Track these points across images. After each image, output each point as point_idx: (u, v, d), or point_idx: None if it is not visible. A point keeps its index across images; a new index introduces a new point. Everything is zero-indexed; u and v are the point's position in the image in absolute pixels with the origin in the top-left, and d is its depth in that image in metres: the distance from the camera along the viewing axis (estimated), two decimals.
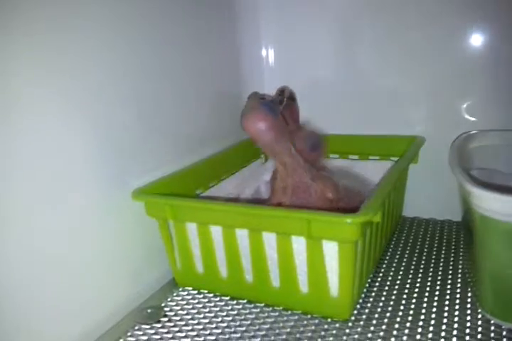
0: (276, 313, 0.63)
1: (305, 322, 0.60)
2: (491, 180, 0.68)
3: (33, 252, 0.52)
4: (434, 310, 0.61)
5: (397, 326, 0.58)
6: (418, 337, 0.56)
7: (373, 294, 0.66)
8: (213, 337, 0.58)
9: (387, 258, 0.76)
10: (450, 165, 0.64)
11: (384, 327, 0.58)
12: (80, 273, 0.59)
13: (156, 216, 0.65)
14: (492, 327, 0.57)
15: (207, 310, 0.64)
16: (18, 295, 0.52)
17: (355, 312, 0.62)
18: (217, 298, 0.67)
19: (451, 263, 0.73)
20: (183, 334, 0.59)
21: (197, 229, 0.64)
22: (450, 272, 0.70)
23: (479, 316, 0.60)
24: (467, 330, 0.57)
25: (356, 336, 0.57)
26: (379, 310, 0.62)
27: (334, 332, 0.58)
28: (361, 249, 0.59)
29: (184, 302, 0.66)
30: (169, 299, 0.67)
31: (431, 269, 0.71)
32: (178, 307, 0.65)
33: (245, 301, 0.66)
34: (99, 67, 0.60)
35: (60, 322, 0.57)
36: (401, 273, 0.71)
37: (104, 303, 0.63)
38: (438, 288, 0.66)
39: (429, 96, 0.85)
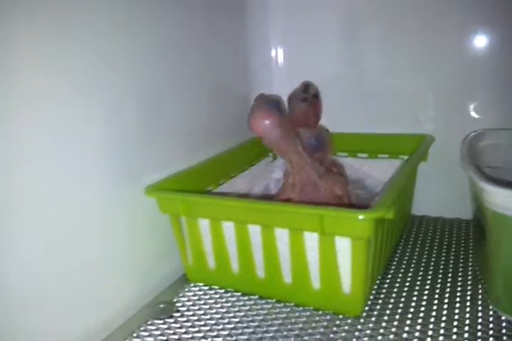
0: (288, 309, 0.63)
1: (317, 318, 0.61)
2: (501, 178, 0.68)
3: (46, 248, 0.53)
4: (446, 306, 0.62)
5: (408, 322, 0.59)
6: (430, 332, 0.56)
7: (384, 291, 0.66)
8: (226, 332, 0.58)
9: (398, 255, 0.76)
10: (461, 162, 0.65)
11: (396, 323, 0.59)
12: (93, 268, 0.60)
13: (169, 212, 0.66)
14: (504, 323, 0.57)
15: (219, 305, 0.64)
16: (33, 291, 0.52)
17: (367, 308, 0.62)
18: (229, 294, 0.67)
19: (462, 260, 0.73)
20: (196, 329, 0.59)
21: (209, 225, 0.65)
22: (460, 269, 0.70)
23: (491, 312, 0.60)
24: (479, 326, 0.57)
25: (368, 332, 0.57)
26: (390, 306, 0.62)
27: (346, 327, 0.58)
28: (373, 245, 0.59)
29: (196, 297, 0.67)
30: (181, 294, 0.67)
31: (441, 266, 0.72)
32: (191, 303, 0.65)
33: (257, 297, 0.66)
34: (113, 65, 0.60)
35: (73, 317, 0.57)
36: (411, 270, 0.71)
37: (117, 298, 0.64)
38: (449, 284, 0.67)
39: (438, 95, 0.85)
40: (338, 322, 0.60)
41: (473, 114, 0.83)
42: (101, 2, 0.58)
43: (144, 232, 0.68)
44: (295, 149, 0.67)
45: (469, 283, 0.67)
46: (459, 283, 0.67)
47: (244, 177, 0.84)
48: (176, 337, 0.58)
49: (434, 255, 0.75)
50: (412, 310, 0.61)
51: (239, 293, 0.67)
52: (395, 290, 0.66)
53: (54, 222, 0.54)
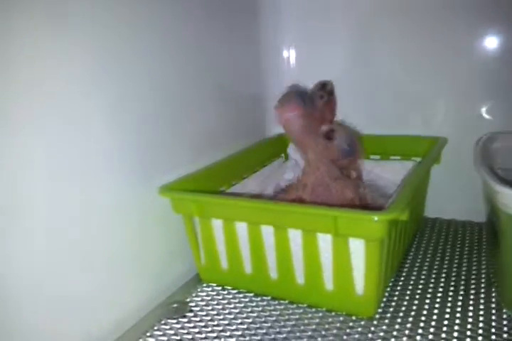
0: (301, 310, 0.63)
1: (330, 319, 0.61)
2: None
3: (59, 249, 0.53)
4: (459, 309, 0.62)
5: (422, 324, 0.59)
6: (443, 335, 0.56)
7: (397, 293, 0.66)
8: (239, 333, 0.59)
9: (410, 257, 0.76)
10: (475, 165, 0.64)
11: (409, 325, 0.59)
12: (106, 268, 0.60)
13: (182, 212, 0.66)
14: None
15: (232, 305, 0.65)
16: (49, 289, 0.53)
17: (380, 310, 0.62)
18: (242, 295, 0.67)
19: (475, 263, 0.73)
20: (209, 329, 0.60)
21: (222, 226, 0.65)
22: (474, 272, 0.70)
23: (504, 316, 0.60)
24: (492, 330, 0.57)
25: (381, 333, 0.57)
26: (403, 308, 0.62)
27: (359, 329, 0.58)
28: (387, 247, 0.59)
29: (209, 297, 0.67)
30: (194, 294, 0.68)
31: (454, 269, 0.71)
32: (204, 303, 0.65)
33: (269, 298, 0.66)
34: (129, 67, 0.61)
35: (87, 317, 0.58)
36: (424, 272, 0.71)
37: (131, 298, 0.64)
38: (462, 287, 0.66)
39: (452, 97, 0.85)
40: (351, 323, 0.60)
41: (487, 116, 0.83)
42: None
43: (156, 232, 0.68)
44: (314, 148, 0.67)
45: (483, 285, 0.67)
46: (472, 286, 0.67)
47: (256, 177, 0.84)
48: (190, 336, 0.58)
49: (447, 257, 0.75)
50: (425, 312, 0.61)
51: (252, 294, 0.67)
52: (408, 292, 0.66)
53: (66, 222, 0.54)
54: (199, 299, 0.67)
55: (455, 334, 0.56)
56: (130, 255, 0.63)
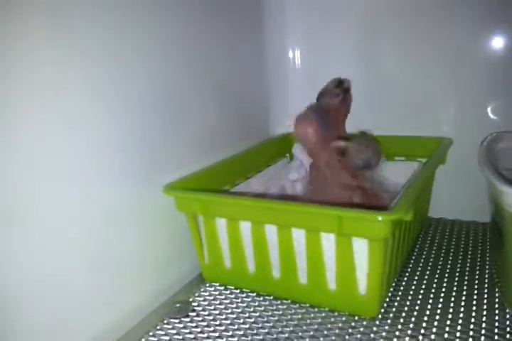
0: (303, 310, 0.63)
1: (332, 319, 0.61)
2: None
3: (62, 248, 0.53)
4: (462, 309, 0.61)
5: (424, 325, 0.58)
6: (446, 335, 0.56)
7: (400, 293, 0.66)
8: (241, 332, 0.59)
9: (414, 257, 0.76)
10: (480, 165, 0.64)
11: (412, 325, 0.58)
12: (109, 267, 0.60)
13: (186, 211, 0.66)
14: None
15: (234, 305, 0.65)
16: (50, 289, 0.53)
17: (383, 310, 0.62)
18: (244, 294, 0.67)
19: (478, 263, 0.73)
20: (212, 329, 0.59)
21: (226, 225, 0.65)
22: (477, 272, 0.70)
23: (508, 316, 0.59)
24: (496, 330, 0.57)
25: (384, 334, 0.57)
26: (406, 308, 0.62)
27: (362, 329, 0.58)
28: (390, 247, 0.59)
29: (212, 297, 0.67)
30: (197, 294, 0.68)
31: (458, 269, 0.71)
32: (206, 303, 0.65)
33: (272, 298, 0.66)
34: (132, 66, 0.61)
35: (89, 316, 0.58)
36: (428, 272, 0.71)
37: (134, 298, 0.64)
38: (465, 287, 0.66)
39: (456, 98, 0.85)
40: (353, 323, 0.60)
41: (492, 116, 0.83)
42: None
43: (160, 232, 0.68)
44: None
45: (486, 285, 0.66)
46: (476, 286, 0.66)
47: (260, 177, 0.84)
48: (192, 336, 0.58)
49: (450, 257, 0.75)
50: (428, 312, 0.61)
51: (254, 294, 0.67)
52: (411, 292, 0.66)
53: (68, 222, 0.54)
54: (202, 299, 0.67)
55: (458, 334, 0.56)
56: (133, 254, 0.64)
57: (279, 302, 0.65)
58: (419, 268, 0.72)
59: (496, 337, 0.55)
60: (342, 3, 0.90)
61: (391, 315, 0.61)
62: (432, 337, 0.56)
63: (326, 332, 0.58)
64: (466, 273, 0.70)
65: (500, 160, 0.72)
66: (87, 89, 0.55)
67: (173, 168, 0.69)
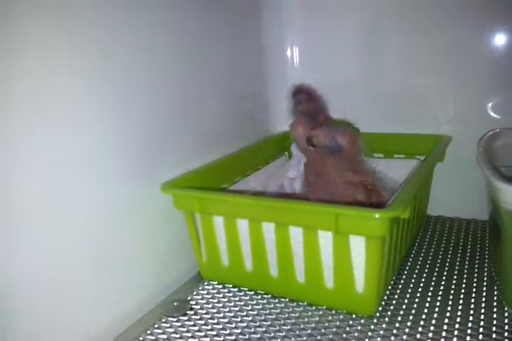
0: (301, 308, 0.63)
1: (330, 317, 0.61)
2: None
3: (60, 246, 0.53)
4: (460, 307, 0.61)
5: (422, 323, 0.58)
6: (444, 333, 0.56)
7: (398, 291, 0.66)
8: (239, 331, 0.59)
9: (412, 256, 0.75)
10: (478, 162, 0.64)
11: (409, 323, 0.58)
12: (108, 266, 0.60)
13: (184, 209, 0.66)
14: None
15: (232, 304, 0.65)
16: (49, 288, 0.53)
17: (380, 308, 0.62)
18: (242, 293, 0.67)
19: (477, 261, 0.72)
20: (209, 327, 0.59)
21: (223, 223, 0.65)
22: (476, 270, 0.70)
23: (506, 314, 0.59)
24: (493, 328, 0.57)
25: (381, 332, 0.57)
26: (404, 306, 0.62)
27: (359, 327, 0.58)
28: (388, 245, 0.59)
29: (209, 296, 0.67)
30: (195, 293, 0.68)
31: (456, 267, 0.71)
32: (204, 301, 0.65)
33: (270, 296, 0.66)
34: (132, 63, 0.61)
35: (88, 314, 0.58)
36: (426, 270, 0.71)
37: (131, 296, 0.64)
38: (464, 285, 0.66)
39: (455, 95, 0.85)
40: (351, 321, 0.59)
41: (492, 114, 0.82)
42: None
43: (158, 230, 0.68)
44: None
45: (484, 284, 0.66)
46: (474, 284, 0.66)
47: (259, 175, 0.84)
48: (189, 334, 0.58)
49: (449, 255, 0.75)
50: (425, 310, 0.61)
51: (252, 292, 0.67)
52: (410, 290, 0.66)
53: (67, 220, 0.54)
54: (199, 297, 0.66)
55: (455, 332, 0.56)
56: (131, 253, 0.63)
57: (276, 300, 0.65)
58: (418, 266, 0.72)
59: (494, 335, 0.55)
60: (341, 1, 0.90)
61: (389, 313, 0.61)
62: (430, 335, 0.56)
63: (323, 331, 0.58)
64: (465, 272, 0.70)
65: (498, 158, 0.72)
66: (86, 88, 0.55)
67: (171, 166, 0.69)
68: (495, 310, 0.60)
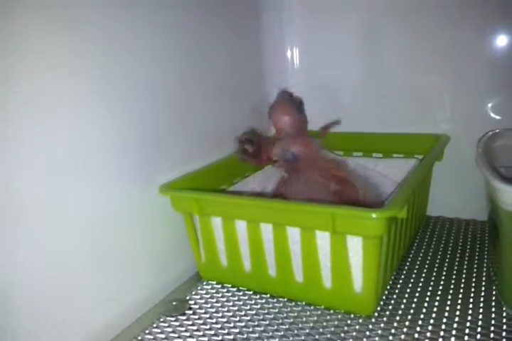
0: (299, 308, 0.63)
1: (328, 317, 0.61)
2: None
3: (59, 246, 0.54)
4: (459, 307, 0.61)
5: (420, 322, 0.58)
6: (442, 333, 0.56)
7: (397, 291, 0.66)
8: (237, 330, 0.59)
9: (411, 256, 0.75)
10: (477, 162, 0.64)
11: (407, 323, 0.58)
12: (107, 266, 0.60)
13: (182, 210, 0.66)
14: None
15: (230, 303, 0.65)
16: (48, 287, 0.53)
17: (379, 308, 0.62)
18: (241, 292, 0.67)
19: (476, 261, 0.72)
20: (208, 327, 0.60)
21: (222, 224, 0.65)
22: (475, 270, 0.70)
23: (504, 314, 0.59)
24: (492, 328, 0.56)
25: (380, 331, 0.57)
26: (402, 306, 0.62)
27: (357, 327, 0.58)
28: (386, 245, 0.59)
29: (208, 295, 0.67)
30: (194, 292, 0.68)
31: (455, 267, 0.71)
32: (203, 301, 0.66)
33: (268, 296, 0.66)
34: (132, 64, 0.61)
35: (87, 314, 0.58)
36: (425, 270, 0.71)
37: (131, 295, 0.64)
38: (462, 286, 0.66)
39: (455, 95, 0.85)
40: (349, 321, 0.60)
41: (492, 114, 0.82)
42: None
43: (157, 230, 0.68)
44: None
45: (483, 284, 0.66)
46: (473, 284, 0.66)
47: (257, 176, 0.84)
48: (188, 334, 0.58)
49: (448, 256, 0.75)
50: (424, 310, 0.61)
51: (250, 292, 0.67)
52: (408, 290, 0.66)
53: (66, 221, 0.54)
54: (198, 297, 0.67)
55: (453, 332, 0.56)
56: (131, 253, 0.64)
57: (275, 300, 0.65)
58: (417, 266, 0.72)
59: (492, 335, 0.55)
60: (341, 2, 0.90)
61: (387, 312, 0.61)
62: (428, 335, 0.56)
63: (321, 330, 0.58)
64: (464, 272, 0.70)
65: (498, 158, 0.72)
66: (86, 88, 0.55)
67: (170, 167, 0.69)
68: (493, 310, 0.60)
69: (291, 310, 0.62)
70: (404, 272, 0.70)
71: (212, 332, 0.59)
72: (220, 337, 0.58)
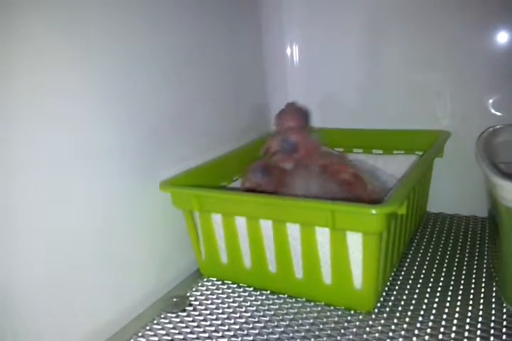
0: (299, 304, 0.63)
1: (328, 313, 0.61)
2: None
3: (63, 244, 0.54)
4: (459, 303, 0.61)
5: (420, 319, 0.58)
6: (442, 329, 0.56)
7: (397, 287, 0.66)
8: (237, 326, 0.59)
9: (412, 252, 0.75)
10: (477, 158, 0.64)
11: (407, 319, 0.58)
12: (108, 263, 0.60)
13: (182, 207, 0.67)
14: None
15: (231, 300, 0.65)
16: (52, 284, 0.53)
17: (379, 304, 0.62)
18: (241, 289, 0.68)
19: (476, 257, 0.72)
20: (208, 323, 0.60)
21: (222, 220, 0.65)
22: (475, 266, 0.70)
23: (504, 310, 0.59)
24: (492, 324, 0.57)
25: (379, 328, 0.57)
26: (402, 302, 0.62)
27: (357, 323, 0.58)
28: (385, 241, 0.59)
29: (209, 292, 0.67)
30: (194, 289, 0.68)
31: (455, 264, 0.71)
32: (203, 297, 0.66)
33: (268, 292, 0.66)
34: (129, 62, 0.61)
35: (88, 310, 0.58)
36: (425, 267, 0.71)
37: (132, 292, 0.64)
38: (462, 282, 0.66)
39: (456, 92, 0.84)
40: (349, 317, 0.60)
41: (492, 111, 0.82)
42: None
43: (158, 227, 0.68)
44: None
45: (483, 280, 0.66)
46: (473, 280, 0.66)
47: None
48: (188, 330, 0.59)
49: (448, 252, 0.75)
50: (424, 306, 0.61)
51: (251, 288, 0.68)
52: (408, 286, 0.66)
53: (67, 217, 0.54)
54: (199, 293, 0.67)
55: (454, 328, 0.56)
56: (131, 249, 0.64)
57: (275, 296, 0.65)
58: (417, 263, 0.72)
59: (492, 331, 0.55)
60: (340, 0, 0.90)
61: (387, 309, 0.61)
62: (428, 331, 0.56)
63: (321, 326, 0.58)
64: (464, 268, 0.70)
65: (498, 154, 0.72)
66: (84, 88, 0.55)
67: (171, 164, 0.69)
68: (493, 306, 0.60)
69: (291, 307, 0.63)
70: (405, 268, 0.71)
71: (213, 329, 0.59)
72: (220, 333, 0.58)
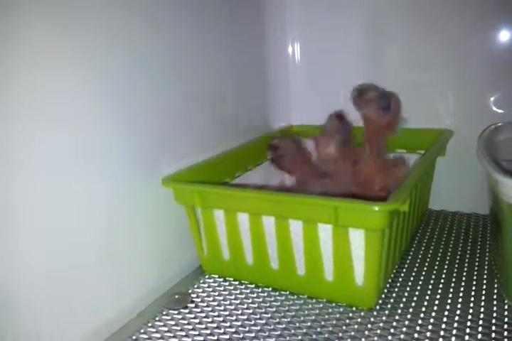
0: (301, 301, 0.63)
1: (330, 310, 0.61)
2: None
3: (65, 241, 0.54)
4: (460, 300, 0.61)
5: (422, 315, 0.58)
6: (443, 326, 0.56)
7: (399, 284, 0.66)
8: (239, 323, 0.59)
9: (413, 249, 0.75)
10: (478, 155, 0.64)
11: (409, 316, 0.59)
12: (110, 260, 0.60)
13: (184, 203, 0.66)
14: None
15: (233, 296, 0.65)
16: (53, 282, 0.53)
17: (380, 301, 0.62)
18: (243, 286, 0.68)
19: (478, 255, 0.73)
20: (210, 320, 0.60)
21: (224, 216, 0.65)
22: (476, 264, 0.70)
23: (506, 307, 0.59)
24: (493, 320, 0.57)
25: (381, 324, 0.57)
26: (404, 299, 0.62)
27: (359, 320, 0.58)
28: (388, 238, 0.59)
29: (210, 289, 0.67)
30: (196, 286, 0.68)
31: (457, 261, 0.71)
32: (205, 294, 0.66)
33: (270, 289, 0.66)
34: (136, 57, 0.61)
35: (90, 307, 0.58)
36: (427, 264, 0.71)
37: (134, 289, 0.64)
38: (464, 279, 0.66)
39: (457, 90, 0.84)
40: (351, 314, 0.60)
41: (494, 109, 0.82)
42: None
43: (161, 223, 0.68)
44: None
45: (485, 277, 0.66)
46: (475, 277, 0.66)
47: (260, 170, 0.84)
48: (190, 327, 0.59)
49: (450, 249, 0.75)
50: (426, 303, 0.61)
51: (253, 285, 0.68)
52: (410, 283, 0.66)
53: (70, 215, 0.54)
54: (201, 290, 0.67)
55: (455, 325, 0.56)
56: (133, 246, 0.64)
57: (277, 293, 0.65)
58: (419, 260, 0.72)
59: (494, 328, 0.55)
60: None
61: (389, 305, 0.61)
62: (430, 327, 0.56)
63: (323, 323, 0.58)
64: (466, 265, 0.70)
65: (500, 152, 0.72)
66: (85, 88, 0.55)
67: (173, 160, 0.69)
68: (495, 302, 0.60)
69: (293, 303, 0.63)
70: (406, 265, 0.71)
71: (215, 325, 0.59)
72: (222, 330, 0.58)
